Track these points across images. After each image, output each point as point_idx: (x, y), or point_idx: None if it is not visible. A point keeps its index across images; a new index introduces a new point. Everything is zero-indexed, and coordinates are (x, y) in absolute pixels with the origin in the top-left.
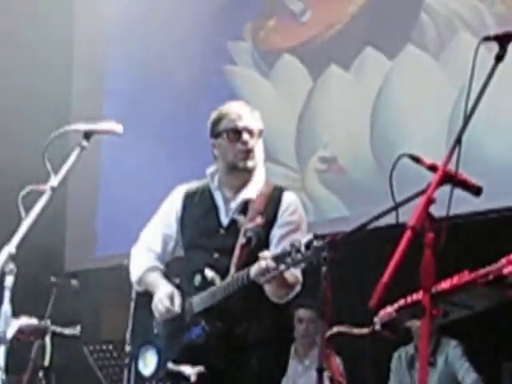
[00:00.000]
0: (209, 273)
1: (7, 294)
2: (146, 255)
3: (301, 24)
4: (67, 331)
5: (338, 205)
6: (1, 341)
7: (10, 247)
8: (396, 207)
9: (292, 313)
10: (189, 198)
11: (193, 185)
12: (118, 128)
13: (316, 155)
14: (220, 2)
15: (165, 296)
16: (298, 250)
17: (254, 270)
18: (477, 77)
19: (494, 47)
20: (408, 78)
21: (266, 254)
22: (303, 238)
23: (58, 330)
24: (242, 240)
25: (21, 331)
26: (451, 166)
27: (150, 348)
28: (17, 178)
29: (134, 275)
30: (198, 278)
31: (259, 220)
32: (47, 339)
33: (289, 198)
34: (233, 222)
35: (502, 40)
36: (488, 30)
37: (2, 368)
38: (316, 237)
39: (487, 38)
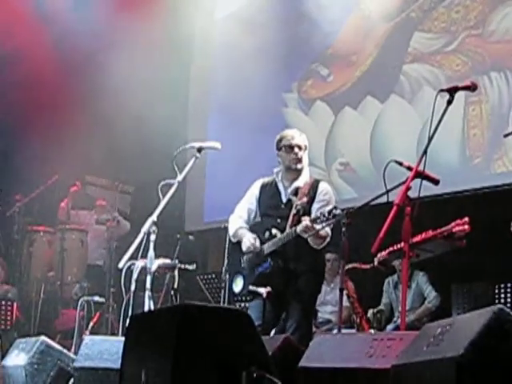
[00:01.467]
0: (273, 230)
1: (151, 245)
2: (238, 220)
3: (327, 82)
4: (187, 267)
5: (350, 191)
6: (148, 272)
7: (153, 217)
8: (387, 192)
9: (324, 255)
10: (263, 187)
11: (266, 179)
12: (218, 145)
13: (337, 161)
14: (279, 71)
15: (250, 238)
16: (324, 215)
17: (299, 227)
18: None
19: (446, 95)
20: (392, 114)
21: (305, 218)
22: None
23: (182, 266)
24: (293, 211)
25: (160, 267)
26: (421, 167)
27: (239, 275)
28: (156, 175)
29: (231, 231)
30: (267, 234)
31: (305, 199)
32: (176, 272)
33: (323, 185)
34: (289, 201)
35: (452, 91)
36: (441, 85)
37: (149, 288)
38: (335, 207)
39: (442, 90)
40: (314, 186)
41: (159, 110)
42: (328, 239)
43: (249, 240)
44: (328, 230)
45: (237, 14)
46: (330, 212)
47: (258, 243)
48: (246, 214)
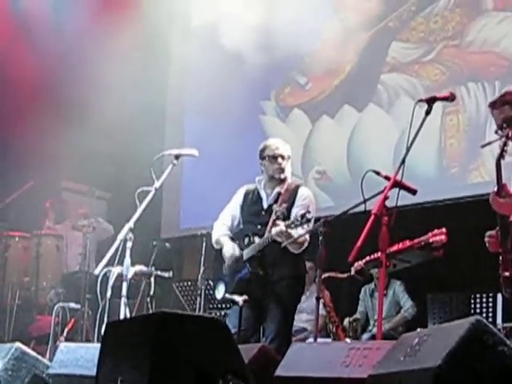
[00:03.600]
0: (252, 236)
1: (128, 252)
2: (221, 227)
3: (305, 91)
4: (164, 274)
5: (326, 199)
6: (124, 279)
7: (130, 224)
8: (364, 201)
9: (305, 262)
10: (247, 194)
11: (250, 186)
12: (195, 152)
13: (314, 169)
14: (257, 79)
15: (230, 248)
16: (298, 219)
17: (273, 232)
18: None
19: (424, 105)
20: (370, 123)
21: (280, 222)
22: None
23: (158, 273)
24: (273, 217)
25: (136, 274)
26: (398, 177)
27: (221, 282)
28: (132, 181)
29: (214, 238)
30: (246, 240)
31: (284, 205)
32: (152, 279)
33: (302, 190)
34: (269, 207)
35: (430, 101)
36: (419, 95)
37: (125, 295)
38: (308, 212)
39: (421, 100)
40: (293, 191)
41: (136, 116)
42: (306, 244)
43: (228, 250)
44: (306, 236)
45: (214, 23)
46: (302, 216)
47: (237, 252)
48: (229, 221)
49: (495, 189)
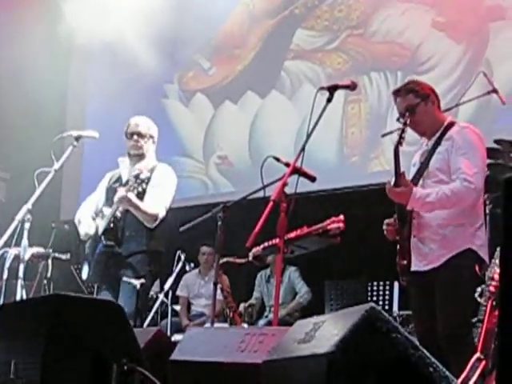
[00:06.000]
0: (106, 210)
1: (26, 233)
2: (86, 208)
3: (208, 75)
4: (61, 256)
5: (227, 184)
6: (21, 261)
7: (28, 205)
8: (264, 187)
9: (162, 235)
10: (112, 178)
11: (115, 171)
12: (96, 134)
13: (215, 154)
14: (161, 62)
15: (85, 227)
16: (131, 180)
17: (115, 198)
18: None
19: (325, 93)
20: (272, 110)
21: (121, 188)
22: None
23: (56, 255)
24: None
25: (33, 256)
26: (298, 164)
27: (85, 262)
28: (32, 162)
29: (76, 219)
30: (101, 214)
31: (141, 176)
32: (49, 261)
33: (160, 167)
34: (127, 182)
35: (331, 89)
36: (321, 83)
37: (22, 277)
38: (141, 172)
39: (322, 88)
40: (152, 169)
41: (37, 97)
42: (160, 217)
43: (82, 229)
44: (159, 210)
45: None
46: (136, 176)
47: (92, 229)
48: (94, 204)
49: (392, 179)
